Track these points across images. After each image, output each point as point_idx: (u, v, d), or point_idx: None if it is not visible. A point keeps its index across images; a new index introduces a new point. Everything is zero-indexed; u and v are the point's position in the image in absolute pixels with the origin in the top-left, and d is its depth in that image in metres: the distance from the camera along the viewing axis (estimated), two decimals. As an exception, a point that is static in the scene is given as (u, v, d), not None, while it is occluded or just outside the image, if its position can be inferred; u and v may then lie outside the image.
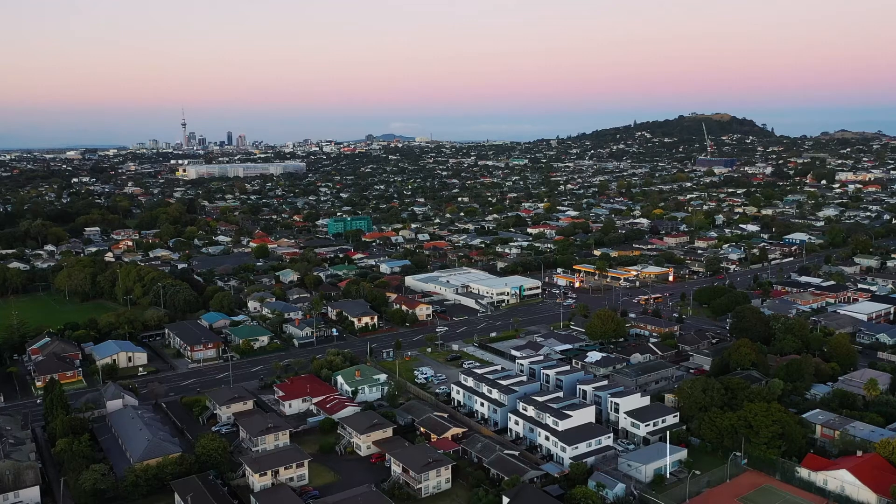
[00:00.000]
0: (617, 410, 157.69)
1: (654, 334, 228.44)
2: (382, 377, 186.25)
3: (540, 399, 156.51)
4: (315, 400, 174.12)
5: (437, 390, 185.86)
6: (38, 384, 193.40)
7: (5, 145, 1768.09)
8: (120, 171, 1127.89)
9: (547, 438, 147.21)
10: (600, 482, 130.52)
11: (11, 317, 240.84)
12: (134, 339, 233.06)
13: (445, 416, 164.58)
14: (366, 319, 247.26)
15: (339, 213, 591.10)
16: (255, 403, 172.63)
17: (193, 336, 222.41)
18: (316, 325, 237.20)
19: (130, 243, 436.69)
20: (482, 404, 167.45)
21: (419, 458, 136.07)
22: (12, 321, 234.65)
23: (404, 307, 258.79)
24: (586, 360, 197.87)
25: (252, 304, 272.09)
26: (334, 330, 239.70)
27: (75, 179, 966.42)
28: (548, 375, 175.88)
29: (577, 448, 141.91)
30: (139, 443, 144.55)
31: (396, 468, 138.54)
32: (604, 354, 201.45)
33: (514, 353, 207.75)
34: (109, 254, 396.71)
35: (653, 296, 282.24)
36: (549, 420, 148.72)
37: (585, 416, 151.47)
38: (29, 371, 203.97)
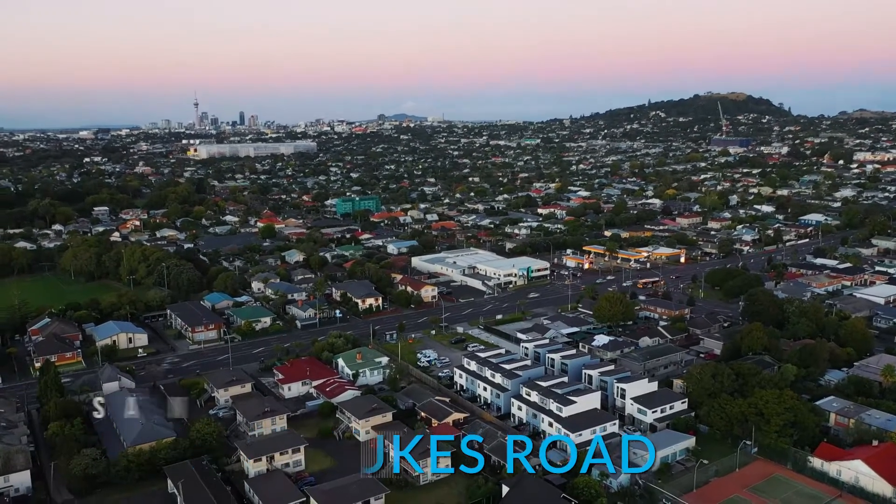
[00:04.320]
0: (623, 396, 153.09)
1: (664, 317, 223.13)
2: (384, 360, 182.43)
3: (544, 384, 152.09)
4: (315, 383, 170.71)
5: (439, 374, 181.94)
6: (37, 365, 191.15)
7: (21, 125, 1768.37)
8: (131, 150, 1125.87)
9: (550, 425, 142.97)
10: (604, 472, 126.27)
11: (13, 297, 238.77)
12: (136, 319, 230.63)
13: (447, 400, 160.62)
14: (370, 301, 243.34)
15: (348, 194, 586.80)
16: (253, 386, 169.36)
17: (194, 317, 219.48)
18: (319, 307, 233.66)
19: (138, 223, 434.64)
20: (485, 389, 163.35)
21: (417, 445, 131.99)
22: (14, 301, 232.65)
23: (409, 289, 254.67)
24: (593, 343, 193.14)
25: (256, 285, 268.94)
26: (338, 311, 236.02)
27: (87, 159, 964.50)
28: (553, 360, 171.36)
29: (581, 435, 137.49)
30: (132, 427, 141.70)
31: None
32: (611, 338, 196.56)
33: (519, 336, 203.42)
34: (116, 233, 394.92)
35: (651, 279, 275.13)
36: (553, 406, 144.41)
37: (590, 401, 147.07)
38: (29, 352, 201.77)
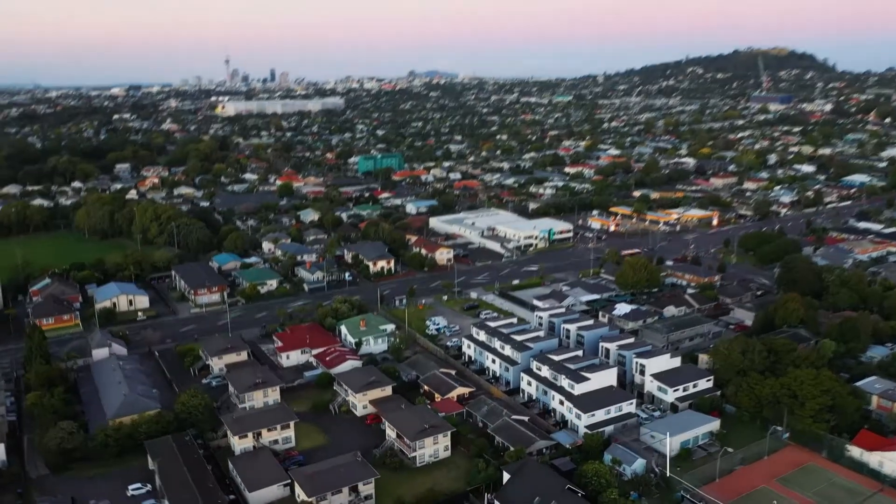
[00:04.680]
0: (643, 372, 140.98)
1: (692, 284, 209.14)
2: (390, 328, 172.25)
3: (556, 358, 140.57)
4: (315, 352, 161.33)
5: (448, 343, 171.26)
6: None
7: (56, 83, 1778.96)
8: (161, 107, 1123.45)
9: (561, 403, 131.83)
10: (616, 457, 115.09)
11: (16, 256, 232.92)
12: (142, 280, 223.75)
13: (453, 373, 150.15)
14: (381, 263, 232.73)
15: (372, 151, 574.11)
16: (250, 354, 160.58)
17: (198, 279, 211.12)
18: (328, 269, 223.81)
19: (157, 181, 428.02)
20: (494, 361, 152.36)
21: (415, 423, 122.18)
22: (17, 261, 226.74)
23: (423, 251, 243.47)
24: (614, 312, 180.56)
25: (266, 246, 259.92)
26: (347, 274, 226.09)
27: (116, 116, 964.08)
28: (568, 330, 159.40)
29: (593, 416, 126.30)
30: (115, 397, 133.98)
31: (391, 433, 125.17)
32: (633, 307, 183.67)
33: (535, 302, 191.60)
34: (133, 191, 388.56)
35: (632, 251, 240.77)
36: (565, 382, 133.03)
37: (606, 378, 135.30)
38: (28, 314, 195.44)
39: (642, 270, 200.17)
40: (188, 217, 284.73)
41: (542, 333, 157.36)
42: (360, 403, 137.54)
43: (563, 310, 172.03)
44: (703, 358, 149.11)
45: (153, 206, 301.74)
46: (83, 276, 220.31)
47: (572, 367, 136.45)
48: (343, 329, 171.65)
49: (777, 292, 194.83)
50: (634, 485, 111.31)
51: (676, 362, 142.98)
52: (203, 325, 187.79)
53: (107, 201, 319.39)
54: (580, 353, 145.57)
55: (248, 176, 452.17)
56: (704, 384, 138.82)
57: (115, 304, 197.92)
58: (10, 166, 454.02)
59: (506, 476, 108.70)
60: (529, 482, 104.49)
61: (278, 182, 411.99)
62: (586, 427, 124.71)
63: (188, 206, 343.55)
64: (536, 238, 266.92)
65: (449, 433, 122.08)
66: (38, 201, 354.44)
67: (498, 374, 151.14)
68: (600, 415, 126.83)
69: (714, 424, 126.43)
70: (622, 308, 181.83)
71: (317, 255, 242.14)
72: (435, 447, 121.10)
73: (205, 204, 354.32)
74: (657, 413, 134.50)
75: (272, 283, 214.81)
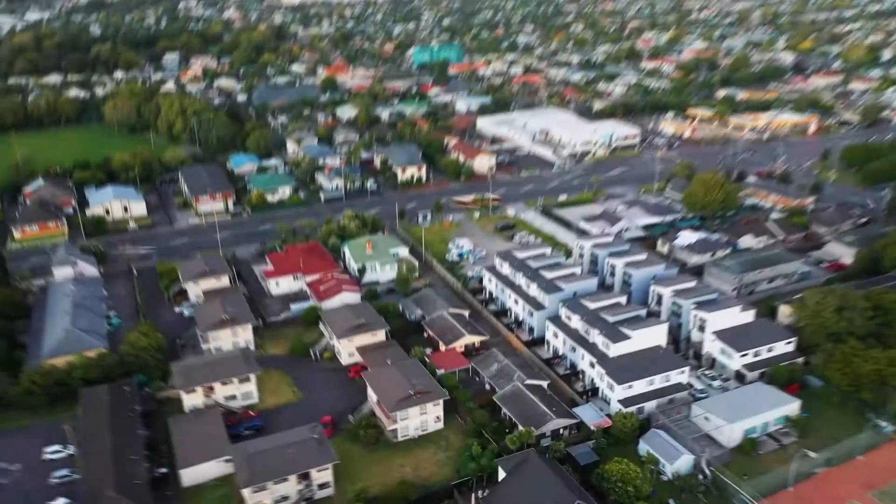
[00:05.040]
0: (703, 329, 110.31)
1: (778, 207, 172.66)
2: (401, 252, 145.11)
3: (591, 305, 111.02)
4: (309, 279, 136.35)
5: (470, 272, 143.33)
6: (17, 235, 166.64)
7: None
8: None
9: (592, 366, 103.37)
10: (652, 453, 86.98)
11: (16, 153, 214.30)
12: (150, 183, 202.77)
13: (465, 314, 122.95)
14: (411, 170, 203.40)
15: (433, 42, 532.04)
16: (234, 280, 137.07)
17: (201, 184, 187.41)
18: (349, 177, 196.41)
19: (199, 72, 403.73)
20: (517, 302, 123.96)
21: (400, 387, 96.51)
22: (16, 158, 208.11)
23: (461, 156, 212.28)
24: (676, 241, 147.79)
25: (290, 146, 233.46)
26: (371, 182, 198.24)
27: (182, 3, 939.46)
28: (613, 267, 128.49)
29: (630, 387, 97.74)
30: (54, 333, 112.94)
31: (372, 395, 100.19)
32: (701, 235, 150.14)
33: (582, 225, 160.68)
34: (171, 82, 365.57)
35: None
36: (598, 339, 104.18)
37: (653, 336, 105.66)
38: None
39: (716, 189, 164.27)
40: (212, 112, 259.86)
41: (579, 270, 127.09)
42: (345, 350, 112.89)
43: (610, 239, 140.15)
44: (785, 311, 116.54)
45: (179, 99, 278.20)
46: (84, 177, 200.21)
47: (611, 318, 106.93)
48: (346, 251, 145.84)
49: (886, 222, 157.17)
50: (676, 490, 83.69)
51: (748, 317, 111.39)
52: (197, 239, 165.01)
53: (136, 93, 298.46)
54: (624, 298, 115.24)
55: (295, 68, 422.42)
56: (783, 347, 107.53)
57: (108, 210, 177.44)
58: (60, 55, 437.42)
59: (501, 473, 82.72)
60: (528, 488, 78.13)
61: (324, 74, 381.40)
62: (619, 402, 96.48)
63: (222, 98, 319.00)
64: (596, 144, 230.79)
65: (441, 401, 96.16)
66: (73, 92, 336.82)
67: (521, 319, 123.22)
68: (640, 386, 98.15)
69: (792, 406, 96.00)
70: (687, 237, 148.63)
71: (341, 158, 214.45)
72: (423, 418, 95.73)
73: (242, 97, 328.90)
74: (717, 384, 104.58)
75: (285, 191, 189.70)
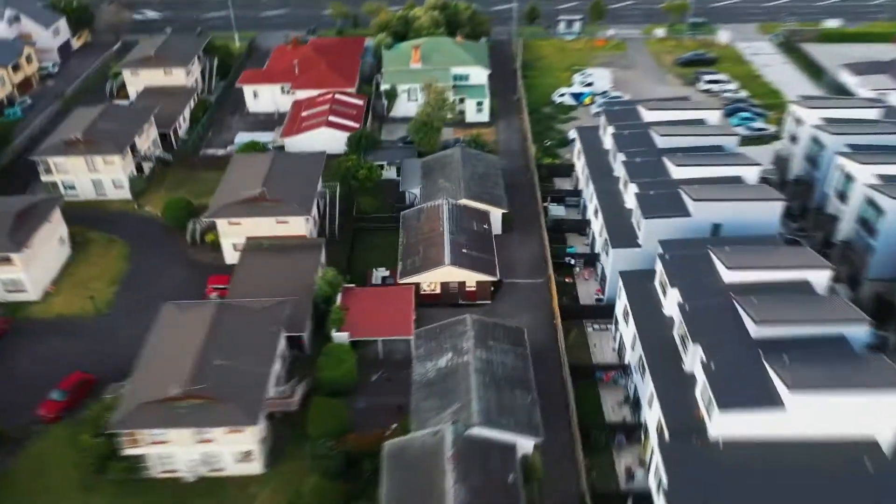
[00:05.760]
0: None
1: None
2: (477, 73, 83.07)
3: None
4: (299, 95, 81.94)
5: (570, 134, 77.79)
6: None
7: None
8: None
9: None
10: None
11: None
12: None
13: (487, 212, 61.74)
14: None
15: None
16: (209, 76, 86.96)
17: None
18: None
19: None
20: (597, 214, 59.11)
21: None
22: None
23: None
24: None
25: None
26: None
27: None
28: (849, 177, 56.00)
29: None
30: None
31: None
32: None
33: (846, 78, 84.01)
34: None
35: None
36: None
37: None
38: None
39: None
40: None
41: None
42: (230, 242, 59.99)
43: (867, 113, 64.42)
44: None
45: None
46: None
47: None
48: (384, 58, 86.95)
49: None
50: None
51: None
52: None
53: None
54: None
55: None
56: None
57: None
58: None
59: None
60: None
61: None
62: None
63: None
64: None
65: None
66: None
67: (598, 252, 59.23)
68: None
69: None
70: None
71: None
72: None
73: None
74: None
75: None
